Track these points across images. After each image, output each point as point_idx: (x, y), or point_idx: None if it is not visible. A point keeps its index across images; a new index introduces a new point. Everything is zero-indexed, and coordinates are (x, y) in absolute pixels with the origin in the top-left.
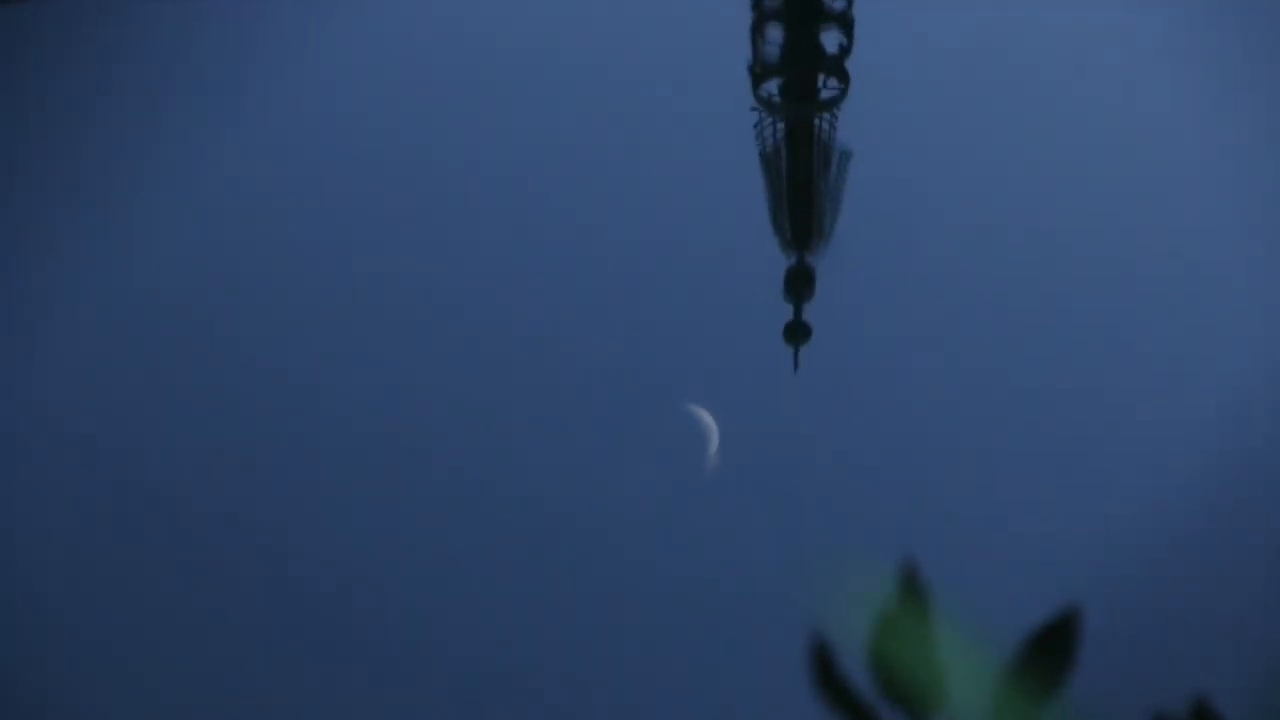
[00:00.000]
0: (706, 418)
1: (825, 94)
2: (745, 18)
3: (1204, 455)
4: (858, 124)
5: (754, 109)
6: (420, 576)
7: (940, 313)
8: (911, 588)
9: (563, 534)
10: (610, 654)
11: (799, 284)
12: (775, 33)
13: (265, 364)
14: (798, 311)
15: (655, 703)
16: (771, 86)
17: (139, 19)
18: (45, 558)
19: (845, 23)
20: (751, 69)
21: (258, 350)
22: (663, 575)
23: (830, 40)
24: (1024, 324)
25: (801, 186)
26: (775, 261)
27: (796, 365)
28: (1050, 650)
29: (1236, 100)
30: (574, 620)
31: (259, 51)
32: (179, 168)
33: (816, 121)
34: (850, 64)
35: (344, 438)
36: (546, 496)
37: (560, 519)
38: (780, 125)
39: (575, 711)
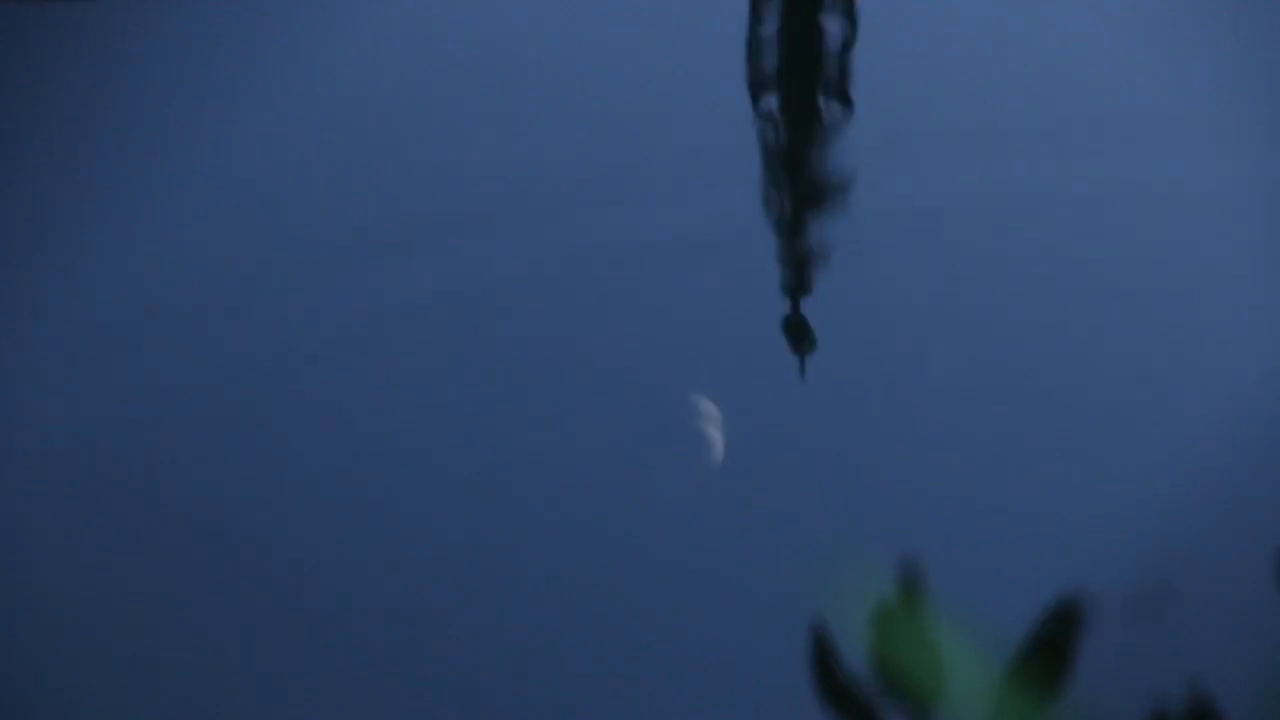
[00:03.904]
0: (712, 413)
1: (825, 98)
2: (744, 14)
3: (1205, 454)
4: (862, 122)
5: (755, 115)
6: (423, 575)
7: (940, 310)
8: (911, 585)
9: (562, 532)
10: (609, 651)
11: (799, 287)
12: (772, 56)
13: (267, 363)
14: (798, 313)
15: (654, 700)
16: (770, 89)
17: (141, 16)
18: (45, 558)
19: (845, 25)
20: (751, 89)
21: (259, 349)
22: (661, 574)
23: (829, 41)
24: (1023, 321)
25: (801, 183)
26: (776, 261)
27: (802, 369)
28: (1050, 647)
29: (1238, 98)
30: (572, 618)
31: (264, 50)
32: (181, 168)
33: (818, 126)
34: (849, 67)
35: (347, 437)
36: (545, 495)
37: (559, 518)
38: (782, 124)
39: (573, 708)
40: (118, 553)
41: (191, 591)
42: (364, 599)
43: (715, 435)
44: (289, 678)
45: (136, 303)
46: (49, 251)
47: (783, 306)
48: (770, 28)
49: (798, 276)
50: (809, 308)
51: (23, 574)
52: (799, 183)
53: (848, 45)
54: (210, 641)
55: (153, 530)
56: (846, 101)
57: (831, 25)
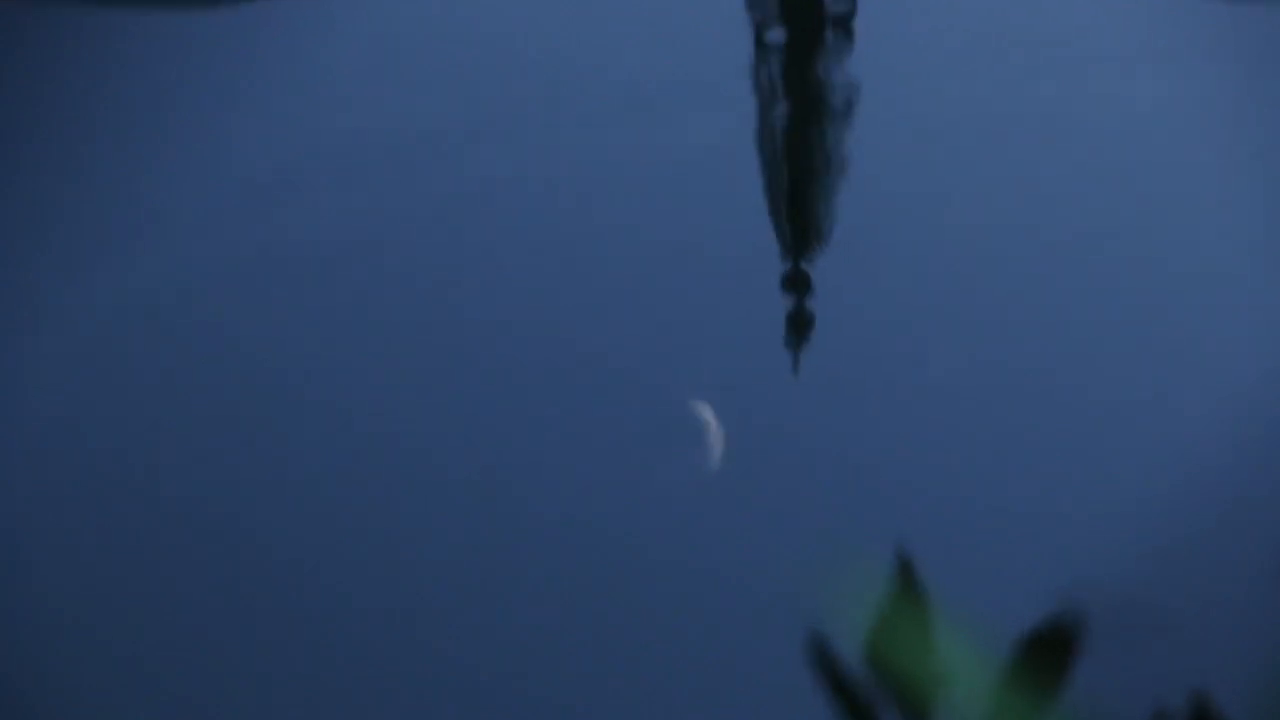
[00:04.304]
0: (709, 415)
1: (826, 97)
2: (745, 17)
3: (1205, 454)
4: (862, 122)
5: (755, 118)
6: (423, 575)
7: (940, 310)
8: (910, 586)
9: (562, 532)
10: (609, 651)
11: (797, 288)
12: (774, 39)
13: (267, 363)
14: (798, 312)
15: (654, 700)
16: (771, 93)
17: (142, 18)
18: (45, 558)
19: (846, 28)
20: (752, 77)
21: (259, 349)
22: (661, 574)
23: (829, 44)
24: (1023, 321)
25: (800, 185)
26: (776, 261)
27: (796, 367)
28: (1050, 648)
29: (1239, 97)
30: (572, 618)
31: (262, 52)
32: (180, 169)
33: (817, 124)
34: (851, 64)
35: (347, 437)
36: (545, 495)
37: (560, 517)
38: (780, 125)
39: (573, 708)
40: (118, 553)
41: (191, 591)
42: (364, 599)
43: (713, 442)
44: (289, 678)
45: (137, 303)
46: (49, 251)
47: (781, 306)
48: (770, 27)
49: (798, 273)
50: (809, 307)
51: (23, 574)
52: (800, 180)
53: (847, 46)
54: (210, 641)
55: (153, 530)
56: (849, 87)
57: (830, 26)
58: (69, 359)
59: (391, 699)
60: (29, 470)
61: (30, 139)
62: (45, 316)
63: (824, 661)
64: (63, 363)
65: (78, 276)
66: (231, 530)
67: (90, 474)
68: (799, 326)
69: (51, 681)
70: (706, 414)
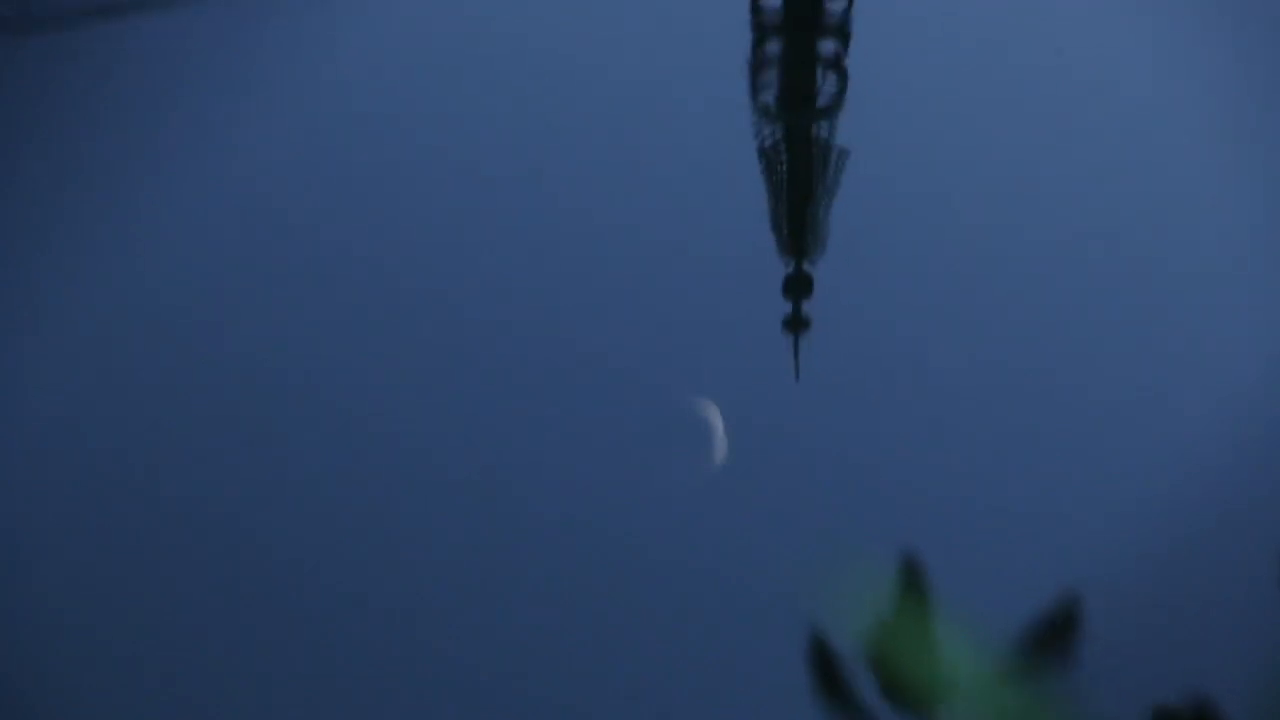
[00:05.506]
0: (712, 414)
1: (823, 99)
2: (745, 18)
3: (1205, 454)
4: (861, 122)
5: (754, 120)
6: (423, 575)
7: (940, 310)
8: (912, 586)
9: (562, 532)
10: (609, 651)
11: (797, 287)
12: (773, 43)
13: (267, 363)
14: (797, 312)
15: (654, 700)
16: (769, 95)
17: (146, 23)
18: (45, 558)
19: (843, 30)
20: (751, 79)
21: (260, 350)
22: (661, 574)
23: (828, 45)
24: (1023, 321)
25: (800, 188)
26: (777, 262)
27: (797, 367)
28: (1051, 648)
29: (1238, 96)
30: (572, 618)
31: (263, 55)
32: (183, 170)
33: (815, 125)
34: (849, 62)
35: (347, 437)
36: (546, 495)
37: (560, 517)
38: (778, 127)
39: (573, 708)
40: (118, 553)
41: (191, 591)
42: (364, 599)
43: (715, 442)
44: (289, 678)
45: (136, 303)
46: (49, 251)
47: (783, 306)
48: (769, 16)
49: (798, 274)
50: (809, 306)
51: (23, 574)
52: (798, 180)
53: (844, 46)
54: (210, 641)
55: (153, 530)
56: (842, 92)
57: (828, 27)
58: (69, 359)
59: (391, 699)
60: (29, 470)
61: (30, 139)
62: (45, 316)
63: (824, 662)
64: (63, 363)
65: (78, 276)
66: (231, 530)
67: (90, 474)
68: (799, 328)
69: (51, 681)
70: (708, 414)
